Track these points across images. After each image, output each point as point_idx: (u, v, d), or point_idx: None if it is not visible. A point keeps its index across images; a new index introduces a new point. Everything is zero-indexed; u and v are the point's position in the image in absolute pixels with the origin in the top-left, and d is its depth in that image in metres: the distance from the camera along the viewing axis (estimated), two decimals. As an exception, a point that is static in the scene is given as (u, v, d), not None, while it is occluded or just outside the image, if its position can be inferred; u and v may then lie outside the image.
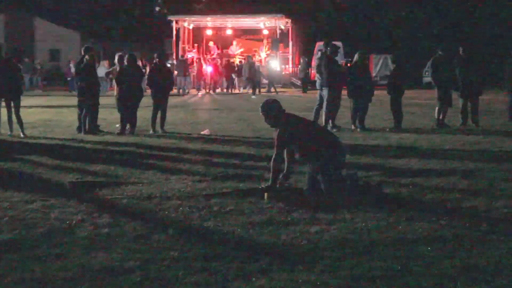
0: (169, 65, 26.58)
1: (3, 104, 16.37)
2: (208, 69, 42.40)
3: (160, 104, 17.00)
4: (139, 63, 25.80)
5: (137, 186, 9.39)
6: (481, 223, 7.09)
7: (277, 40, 45.72)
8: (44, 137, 15.86)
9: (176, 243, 6.43)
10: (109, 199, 8.67)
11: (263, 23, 47.66)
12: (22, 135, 15.87)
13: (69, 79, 40.57)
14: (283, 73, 46.03)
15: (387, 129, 16.72)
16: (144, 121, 17.83)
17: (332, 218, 7.39)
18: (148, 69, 28.45)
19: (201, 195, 8.68)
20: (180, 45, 46.61)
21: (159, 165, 11.48)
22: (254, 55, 45.64)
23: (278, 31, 46.17)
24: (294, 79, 45.82)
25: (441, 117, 17.33)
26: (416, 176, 9.87)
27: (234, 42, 48.71)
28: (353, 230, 6.86)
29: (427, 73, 39.60)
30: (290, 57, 47.22)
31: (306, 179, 8.95)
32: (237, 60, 44.65)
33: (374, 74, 41.92)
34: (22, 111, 16.72)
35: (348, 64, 18.39)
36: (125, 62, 17.02)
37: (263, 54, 47.25)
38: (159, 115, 16.96)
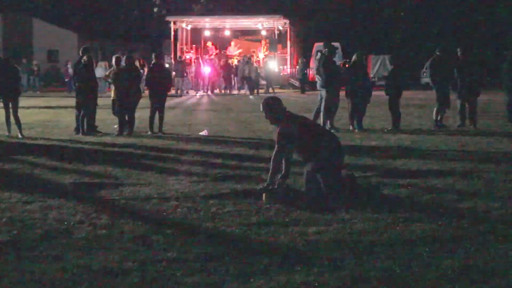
0: (167, 66, 26.55)
1: (1, 104, 16.37)
2: (206, 70, 42.39)
3: (158, 105, 17.00)
4: (138, 63, 25.84)
5: (135, 187, 9.39)
6: (479, 224, 7.09)
7: (275, 41, 45.72)
8: (42, 138, 15.84)
9: (174, 244, 6.43)
10: (107, 200, 8.66)
11: (261, 24, 47.65)
12: (20, 136, 15.87)
13: (67, 80, 40.54)
14: (281, 74, 46.03)
15: (385, 130, 16.73)
16: (142, 122, 17.83)
17: (331, 219, 7.39)
18: (146, 69, 28.48)
19: (199, 196, 8.68)
20: (178, 46, 46.61)
21: (157, 166, 11.47)
22: (252, 55, 45.64)
23: (276, 32, 46.17)
24: (292, 80, 45.83)
25: (439, 118, 17.35)
26: (414, 177, 9.88)
27: (232, 43, 48.73)
28: (352, 231, 6.86)
29: (425, 74, 39.58)
30: (288, 58, 47.23)
31: (304, 180, 8.95)
32: (235, 61, 44.65)
33: (372, 75, 41.99)
34: (20, 112, 16.71)
35: (346, 65, 18.38)
36: (123, 63, 17.01)
37: (261, 55, 47.25)
38: (157, 116, 16.96)
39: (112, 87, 17.23)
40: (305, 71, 42.45)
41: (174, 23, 46.83)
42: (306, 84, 41.00)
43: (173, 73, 36.23)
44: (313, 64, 43.87)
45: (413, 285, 5.31)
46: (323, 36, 46.22)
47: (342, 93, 17.41)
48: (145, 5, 75.40)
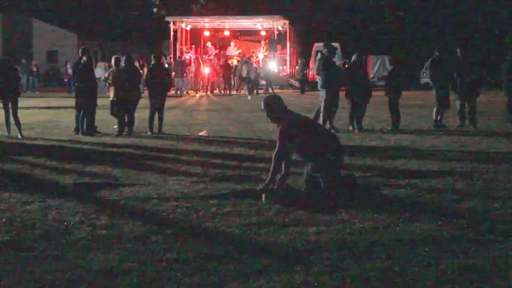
0: (166, 66, 26.54)
1: (1, 105, 16.37)
2: (205, 70, 42.39)
3: (157, 105, 17.00)
4: (137, 64, 25.85)
5: (134, 188, 9.39)
6: (479, 224, 7.09)
7: (275, 41, 45.72)
8: (42, 138, 15.85)
9: (174, 244, 6.43)
10: (107, 200, 8.66)
11: (261, 24, 47.63)
12: (19, 136, 15.87)
13: (66, 80, 40.54)
14: (281, 74, 46.03)
15: (385, 130, 16.74)
16: (141, 122, 17.82)
17: (330, 219, 7.39)
18: (145, 70, 28.48)
19: (198, 197, 8.68)
20: (178, 46, 46.61)
21: (156, 166, 11.47)
22: (251, 56, 45.63)
23: (276, 32, 46.16)
24: (292, 80, 45.84)
25: (439, 118, 17.35)
26: (414, 177, 9.88)
27: (232, 43, 48.71)
28: (351, 231, 6.86)
29: (425, 74, 39.62)
30: (288, 58, 47.22)
31: (303, 180, 8.96)
32: (235, 61, 44.65)
33: (371, 75, 42.00)
34: (20, 112, 16.71)
35: (346, 65, 18.39)
36: (123, 64, 17.00)
37: (260, 55, 47.24)
38: (156, 116, 16.96)
39: (111, 88, 17.22)
40: (305, 72, 42.44)
41: (174, 23, 46.82)
42: (305, 85, 41.00)
43: (173, 73, 36.22)
44: (312, 64, 43.94)
45: (412, 285, 5.31)
46: (322, 36, 46.29)
47: (342, 94, 17.41)
48: (145, 5, 75.44)
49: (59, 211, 7.93)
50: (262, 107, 9.08)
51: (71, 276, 5.55)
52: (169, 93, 19.05)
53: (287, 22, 46.29)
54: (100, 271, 5.68)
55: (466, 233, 6.73)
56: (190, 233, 6.92)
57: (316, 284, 5.32)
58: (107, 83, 17.21)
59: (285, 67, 47.11)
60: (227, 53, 47.58)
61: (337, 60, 22.50)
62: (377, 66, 47.23)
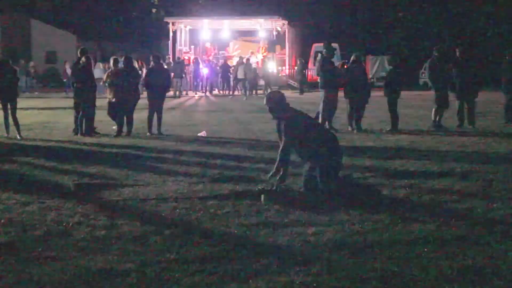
0: (166, 67, 26.53)
1: (0, 106, 16.36)
2: (204, 70, 42.37)
3: (156, 106, 17.00)
4: (136, 64, 25.83)
5: (133, 188, 9.39)
6: (478, 224, 7.10)
7: (274, 42, 45.75)
8: (41, 139, 15.85)
9: (173, 245, 6.43)
10: (106, 201, 8.66)
11: (260, 25, 47.67)
12: (18, 137, 15.87)
13: (65, 80, 40.52)
14: (280, 74, 46.06)
15: (384, 131, 16.73)
16: (140, 123, 17.82)
17: (329, 219, 7.39)
18: (144, 70, 28.46)
19: (198, 197, 8.68)
20: (177, 47, 46.63)
21: (155, 167, 11.47)
22: (250, 56, 45.64)
23: (275, 33, 46.18)
24: (291, 81, 45.87)
25: (437, 119, 17.35)
26: (413, 178, 9.88)
27: (231, 44, 48.72)
28: (350, 232, 6.87)
29: (423, 74, 39.66)
30: (287, 58, 47.25)
31: (302, 180, 8.97)
32: (234, 62, 44.65)
33: (370, 76, 41.99)
34: (19, 113, 16.71)
35: (345, 66, 18.40)
36: (122, 65, 16.99)
37: (259, 56, 47.26)
38: (155, 116, 16.96)
39: (109, 89, 17.20)
40: (304, 72, 42.45)
41: (173, 24, 46.85)
42: (304, 85, 41.00)
43: (172, 74, 36.19)
44: (311, 65, 43.97)
45: (412, 286, 5.32)
46: (321, 37, 46.26)
47: (341, 94, 17.41)
48: (144, 6, 75.38)
49: (58, 212, 7.94)
50: (265, 103, 9.14)
51: (70, 277, 5.56)
52: (168, 94, 19.03)
53: (286, 22, 46.34)
54: (100, 271, 5.68)
55: (465, 234, 6.74)
56: (189, 233, 6.91)
57: (315, 285, 5.32)
58: (105, 84, 17.17)
59: (284, 67, 47.13)
60: (226, 53, 47.59)
61: (336, 61, 22.50)
62: (376, 67, 47.27)
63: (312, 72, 44.09)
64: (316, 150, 8.77)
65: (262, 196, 8.40)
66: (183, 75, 40.12)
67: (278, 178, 8.91)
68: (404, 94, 18.85)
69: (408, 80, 38.27)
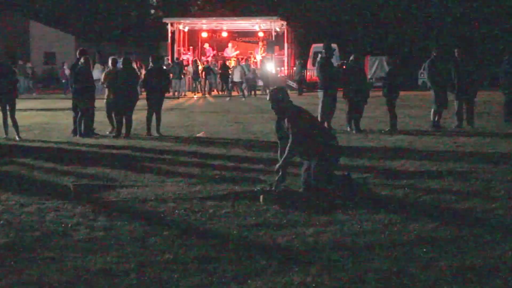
0: (165, 68, 26.54)
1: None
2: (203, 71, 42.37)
3: (155, 107, 16.99)
4: (135, 65, 25.82)
5: (132, 189, 9.38)
6: (477, 224, 7.10)
7: (273, 43, 45.74)
8: (40, 140, 15.84)
9: (172, 246, 6.43)
10: (105, 202, 8.66)
11: (259, 25, 47.68)
12: (17, 138, 15.86)
13: (64, 81, 40.51)
14: (279, 75, 46.06)
15: (383, 131, 16.73)
16: (139, 123, 17.82)
17: (328, 220, 7.39)
18: (143, 71, 28.44)
19: (196, 198, 8.68)
20: (176, 48, 46.62)
21: (154, 168, 11.46)
22: (249, 57, 45.65)
23: (274, 34, 46.19)
24: (290, 81, 45.87)
25: (436, 119, 17.35)
26: (411, 178, 9.88)
27: (230, 45, 48.74)
28: (349, 232, 6.87)
29: (422, 75, 39.67)
30: (286, 59, 47.24)
31: (301, 180, 8.97)
32: (232, 63, 44.66)
33: (369, 76, 42.01)
34: (18, 114, 16.70)
35: (344, 66, 18.40)
36: (120, 65, 16.99)
37: (258, 57, 47.27)
38: (154, 117, 16.95)
39: (106, 89, 17.19)
40: (303, 73, 42.43)
41: (171, 25, 46.82)
42: (303, 86, 40.99)
43: (171, 75, 36.20)
44: (310, 65, 43.96)
45: (411, 286, 5.31)
46: (320, 37, 46.27)
47: (340, 94, 17.40)
48: (143, 7, 75.43)
49: (57, 213, 7.93)
50: (268, 98, 9.18)
51: (69, 278, 5.55)
52: (166, 94, 19.03)
53: (284, 23, 46.33)
54: (99, 272, 5.68)
55: (464, 234, 6.73)
56: (188, 234, 6.91)
57: (314, 285, 5.32)
58: (104, 86, 17.18)
59: (282, 68, 47.12)
60: (225, 54, 47.62)
61: (335, 61, 22.50)
62: (375, 67, 47.27)
63: (310, 72, 44.11)
64: (314, 148, 8.79)
65: (261, 197, 8.40)
66: (182, 76, 40.11)
67: (277, 178, 8.91)
68: (403, 94, 18.87)
69: (407, 81, 38.34)
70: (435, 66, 17.51)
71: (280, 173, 8.93)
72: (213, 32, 50.53)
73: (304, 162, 9.06)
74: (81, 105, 16.34)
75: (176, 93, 38.70)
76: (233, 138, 15.85)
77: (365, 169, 10.89)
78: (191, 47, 49.00)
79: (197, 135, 16.64)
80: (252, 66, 42.06)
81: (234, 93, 38.87)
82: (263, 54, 46.61)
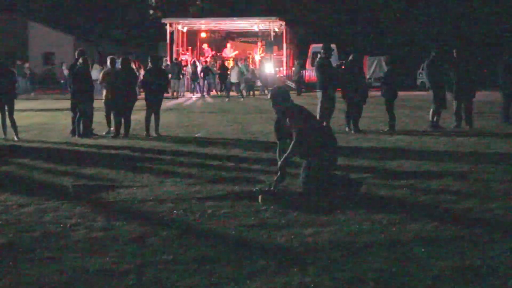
0: (164, 68, 26.53)
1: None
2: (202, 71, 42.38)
3: (154, 107, 16.99)
4: (134, 65, 25.81)
5: (131, 189, 9.38)
6: (475, 225, 7.10)
7: (271, 43, 45.76)
8: (38, 141, 15.84)
9: (171, 246, 6.42)
10: (103, 202, 8.65)
11: (257, 25, 47.70)
12: (16, 139, 15.86)
13: (62, 82, 40.49)
14: (278, 75, 46.07)
15: (381, 131, 16.73)
16: (138, 124, 17.81)
17: (327, 220, 7.39)
18: (142, 71, 28.42)
19: (195, 198, 8.67)
20: (174, 48, 46.63)
21: (153, 168, 11.46)
22: (248, 57, 45.65)
23: (272, 34, 46.21)
24: (289, 82, 45.88)
25: (435, 119, 17.35)
26: (410, 178, 9.88)
27: (228, 45, 48.76)
28: (348, 232, 6.86)
29: (421, 75, 39.70)
30: (284, 59, 47.26)
31: (300, 181, 8.96)
32: (231, 63, 44.68)
33: (368, 76, 42.02)
34: (16, 115, 16.69)
35: (342, 66, 18.41)
36: (119, 66, 16.98)
37: (257, 57, 47.28)
38: (153, 118, 16.94)
39: (104, 90, 17.18)
40: (301, 73, 42.45)
41: (170, 25, 46.84)
42: (302, 86, 40.99)
43: (169, 75, 36.20)
44: (309, 65, 43.96)
45: (410, 286, 5.31)
46: (319, 37, 46.30)
47: (339, 94, 17.40)
48: (141, 7, 75.38)
49: (55, 213, 7.93)
50: (269, 97, 9.23)
51: (68, 278, 5.55)
52: (165, 95, 19.04)
53: (283, 23, 46.35)
54: (97, 273, 5.67)
55: (463, 234, 6.73)
56: (186, 234, 6.91)
57: (313, 285, 5.32)
58: (102, 85, 17.18)
59: (281, 68, 47.14)
60: (224, 54, 47.64)
61: (334, 61, 22.50)
62: (373, 67, 47.28)
63: (309, 72, 44.12)
64: (315, 146, 8.80)
65: (260, 197, 8.39)
66: (181, 76, 40.11)
67: (275, 178, 8.92)
68: (401, 94, 18.88)
69: (405, 81, 38.35)
70: (434, 66, 17.51)
71: (279, 173, 8.93)
72: (212, 33, 50.55)
73: (303, 162, 9.05)
74: (80, 105, 16.34)
75: (175, 93, 38.71)
76: (232, 139, 15.85)
77: (364, 169, 10.89)
78: (189, 47, 49.01)
79: (196, 135, 16.64)
80: (251, 67, 42.06)
81: (232, 94, 38.85)
82: (262, 55, 46.63)
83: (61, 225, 7.31)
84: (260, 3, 59.27)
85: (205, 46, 48.90)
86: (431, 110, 17.49)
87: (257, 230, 7.00)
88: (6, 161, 12.44)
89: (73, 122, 16.75)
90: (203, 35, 49.62)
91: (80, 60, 16.50)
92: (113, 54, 19.19)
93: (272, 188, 8.77)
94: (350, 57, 17.65)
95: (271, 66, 44.20)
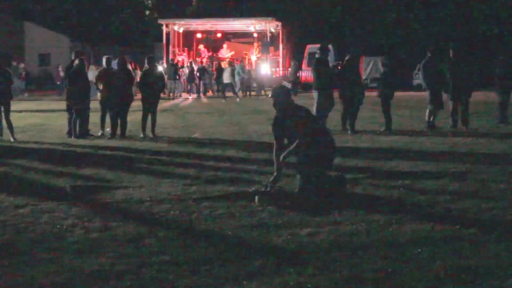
0: (160, 69, 26.53)
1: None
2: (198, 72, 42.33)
3: (150, 108, 16.97)
4: (130, 66, 25.80)
5: (127, 190, 9.38)
6: (471, 225, 7.10)
7: (268, 43, 45.73)
8: (35, 142, 15.82)
9: (167, 247, 6.42)
10: (100, 203, 8.65)
11: (253, 26, 47.66)
12: (12, 140, 15.85)
13: (58, 83, 40.43)
14: (274, 76, 46.05)
15: (378, 132, 16.73)
16: (134, 125, 17.80)
17: (323, 220, 7.39)
18: (138, 72, 28.41)
19: (192, 199, 8.68)
20: (170, 49, 46.58)
21: (149, 169, 11.46)
22: (244, 58, 45.62)
23: (269, 34, 46.19)
24: (285, 82, 45.84)
25: (431, 119, 17.35)
26: (406, 178, 9.88)
27: (225, 46, 48.72)
28: (344, 233, 6.87)
29: (417, 75, 39.70)
30: (281, 60, 47.23)
31: (298, 181, 8.97)
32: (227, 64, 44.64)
33: (364, 77, 42.02)
34: (12, 116, 16.69)
35: (339, 67, 18.40)
36: (115, 66, 16.97)
37: (253, 57, 47.26)
38: (149, 118, 16.93)
39: (98, 92, 17.17)
40: (297, 73, 42.43)
41: (166, 26, 46.78)
42: (298, 86, 40.97)
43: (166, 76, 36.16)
44: (305, 66, 43.95)
45: (405, 286, 5.32)
46: (315, 38, 46.29)
47: (336, 95, 17.38)
48: (138, 8, 75.31)
49: (52, 214, 7.92)
50: (270, 96, 9.28)
51: (64, 279, 5.55)
52: (161, 95, 19.03)
53: (279, 24, 46.33)
54: (93, 274, 5.67)
55: (459, 234, 6.74)
56: (183, 235, 6.91)
57: (309, 286, 5.32)
58: (96, 86, 17.14)
59: (277, 69, 47.12)
60: (220, 55, 47.60)
61: (330, 62, 22.49)
62: (369, 68, 47.27)
63: (305, 73, 44.11)
64: (314, 146, 8.81)
65: (256, 198, 8.40)
66: (177, 77, 40.08)
67: (272, 179, 8.91)
68: (398, 95, 18.87)
69: (402, 81, 38.33)
70: (430, 66, 17.52)
71: (275, 174, 8.93)
72: (208, 33, 50.52)
73: (301, 161, 9.04)
74: (76, 106, 16.32)
75: (171, 94, 38.68)
76: (228, 139, 15.85)
77: (361, 169, 10.89)
78: (186, 48, 48.97)
79: (192, 136, 16.63)
80: (247, 67, 42.03)
81: (229, 94, 38.83)
82: (258, 55, 46.61)
83: (57, 226, 7.30)
84: (256, 4, 59.23)
85: (201, 47, 48.85)
86: (428, 110, 17.49)
87: (254, 231, 7.00)
88: (2, 162, 12.43)
89: (69, 123, 16.73)
90: (199, 35, 49.59)
91: (77, 61, 16.49)
92: (109, 55, 19.15)
93: (268, 189, 8.77)
94: (347, 58, 17.65)
95: (267, 67, 44.17)
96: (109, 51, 47.15)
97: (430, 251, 6.15)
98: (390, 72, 17.87)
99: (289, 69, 44.40)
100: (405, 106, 25.97)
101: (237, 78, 38.39)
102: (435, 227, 6.99)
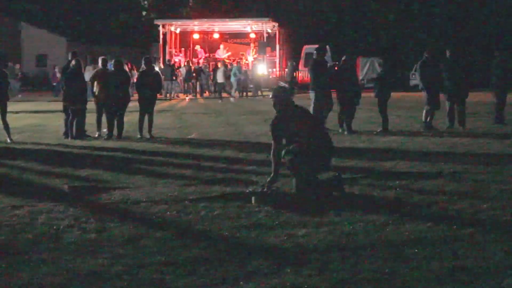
0: (157, 69, 26.50)
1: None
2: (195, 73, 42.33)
3: (147, 109, 16.95)
4: (126, 67, 25.78)
5: (124, 191, 9.37)
6: (468, 225, 7.10)
7: (264, 44, 45.75)
8: (31, 142, 15.81)
9: (164, 247, 6.42)
10: (97, 204, 8.64)
11: (250, 26, 47.70)
12: (9, 140, 15.82)
13: (55, 84, 40.38)
14: (270, 76, 46.07)
15: (374, 132, 16.74)
16: (131, 125, 17.79)
17: (320, 221, 7.39)
18: (135, 72, 28.40)
19: (188, 199, 8.67)
20: (167, 49, 46.58)
21: (146, 170, 11.46)
22: (241, 59, 45.62)
23: (265, 35, 46.21)
24: (281, 83, 45.86)
25: (428, 120, 17.36)
26: (403, 179, 9.88)
27: (221, 46, 48.73)
28: (341, 233, 6.87)
29: (414, 76, 39.74)
30: (277, 60, 47.26)
31: (294, 182, 8.97)
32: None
33: (361, 77, 42.05)
34: (9, 116, 16.66)
35: (336, 67, 18.41)
36: (111, 67, 16.96)
37: (250, 58, 47.28)
38: (146, 119, 16.91)
39: (95, 93, 17.14)
40: (294, 74, 42.44)
41: (163, 26, 46.80)
42: (295, 87, 40.97)
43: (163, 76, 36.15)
44: (302, 66, 43.97)
45: (402, 287, 5.32)
46: (312, 38, 46.32)
47: (332, 95, 17.39)
48: (134, 9, 75.31)
49: (48, 215, 7.91)
50: (271, 96, 9.32)
51: (61, 280, 5.54)
52: (158, 96, 19.03)
53: (276, 24, 46.35)
54: (90, 274, 5.66)
55: (456, 234, 6.74)
56: (180, 236, 6.91)
57: (306, 286, 5.32)
58: (92, 89, 17.12)
59: (274, 69, 47.14)
60: (216, 56, 47.61)
61: (327, 62, 22.50)
62: (366, 68, 47.31)
63: (302, 73, 44.14)
64: (313, 146, 8.82)
65: (253, 198, 8.40)
66: (174, 78, 40.07)
67: (269, 179, 8.92)
68: (394, 95, 18.88)
69: (398, 82, 38.37)
70: (427, 67, 17.53)
71: (272, 174, 8.93)
72: (205, 34, 50.52)
73: (299, 162, 9.04)
74: (73, 107, 16.30)
75: (168, 95, 38.68)
76: (225, 140, 15.85)
77: (357, 170, 10.90)
78: (182, 48, 48.98)
79: (189, 136, 16.63)
80: (244, 68, 42.05)
81: (225, 95, 38.85)
82: (255, 56, 46.63)
83: (54, 227, 7.29)
84: (253, 4, 59.26)
85: (198, 47, 48.86)
86: (424, 110, 17.50)
87: (250, 231, 7.00)
88: (-2, 163, 12.42)
89: (66, 124, 16.72)
90: (196, 36, 49.59)
91: (73, 62, 16.48)
92: (105, 56, 19.14)
93: (265, 189, 8.77)
94: (343, 58, 17.65)
95: (264, 67, 44.19)
96: (105, 52, 47.21)
97: (428, 251, 6.15)
98: (386, 73, 17.88)
99: (286, 69, 44.44)
100: (402, 106, 25.99)
101: (233, 78, 38.41)
102: (431, 228, 6.99)
